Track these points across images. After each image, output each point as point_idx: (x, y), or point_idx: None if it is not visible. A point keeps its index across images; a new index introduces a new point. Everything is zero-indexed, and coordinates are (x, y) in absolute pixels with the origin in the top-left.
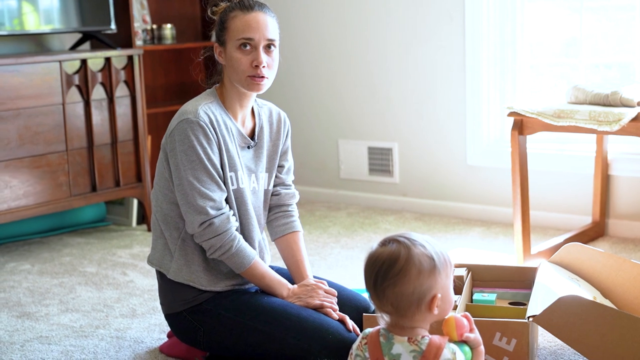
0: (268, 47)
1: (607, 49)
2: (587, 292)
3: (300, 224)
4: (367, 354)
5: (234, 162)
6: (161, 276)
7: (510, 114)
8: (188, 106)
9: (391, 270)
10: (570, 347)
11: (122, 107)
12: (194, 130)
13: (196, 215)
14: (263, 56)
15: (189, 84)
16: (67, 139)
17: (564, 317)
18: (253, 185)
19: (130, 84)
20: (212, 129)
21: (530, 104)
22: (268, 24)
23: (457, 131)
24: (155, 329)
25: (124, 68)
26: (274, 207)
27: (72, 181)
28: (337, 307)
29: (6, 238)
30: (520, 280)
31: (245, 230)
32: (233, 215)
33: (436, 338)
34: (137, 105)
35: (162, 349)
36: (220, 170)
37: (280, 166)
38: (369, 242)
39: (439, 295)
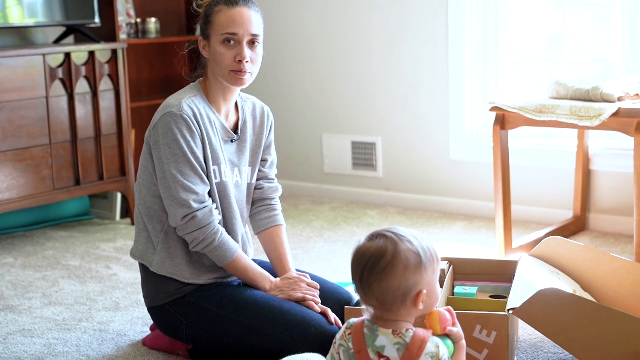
0: (252, 42)
1: (589, 44)
2: (568, 286)
3: (283, 218)
4: (350, 345)
5: (217, 156)
6: (144, 269)
7: (493, 109)
8: (172, 100)
9: (378, 265)
10: (550, 340)
11: (106, 101)
12: (178, 124)
13: (179, 208)
14: (247, 51)
15: (173, 78)
16: (51, 132)
17: (544, 310)
18: (236, 179)
19: (114, 77)
20: (195, 123)
21: (512, 99)
22: (252, 19)
23: (440, 126)
24: (138, 322)
25: (108, 62)
26: (257, 201)
27: (55, 175)
28: (319, 300)
29: None
30: (501, 274)
31: (228, 224)
32: (216, 208)
33: (420, 331)
34: (121, 99)
35: (145, 342)
36: (203, 163)
37: (264, 160)
38: (352, 236)
39: (425, 291)
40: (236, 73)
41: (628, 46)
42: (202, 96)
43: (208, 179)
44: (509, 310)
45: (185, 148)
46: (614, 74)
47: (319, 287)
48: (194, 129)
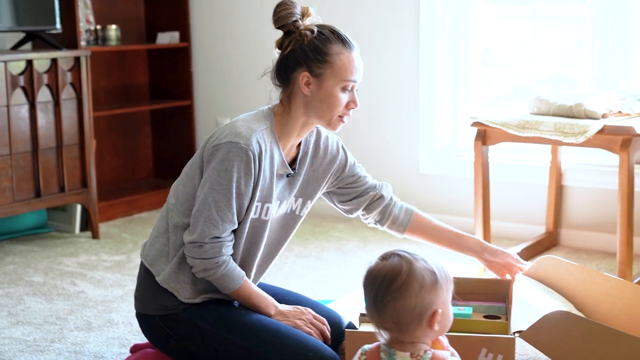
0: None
1: (559, 58)
2: (563, 306)
3: (409, 204)
4: None
5: (267, 194)
6: (146, 272)
7: (474, 124)
8: (243, 127)
9: (393, 284)
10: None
11: (68, 110)
12: (239, 159)
13: (195, 233)
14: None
15: (132, 86)
16: (12, 142)
17: (552, 333)
18: (280, 212)
19: (76, 86)
20: (257, 163)
21: (493, 114)
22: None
23: (409, 139)
24: (114, 342)
25: (70, 70)
26: (380, 212)
27: (15, 186)
28: (329, 336)
29: None
30: (492, 293)
31: (245, 260)
32: (230, 241)
33: (439, 353)
34: (84, 108)
35: None
36: (244, 203)
37: (353, 178)
38: (323, 251)
39: (440, 311)
40: (341, 118)
41: (597, 62)
42: (272, 129)
43: (246, 212)
44: (514, 333)
45: (234, 185)
46: (586, 88)
47: (326, 322)
48: (252, 169)
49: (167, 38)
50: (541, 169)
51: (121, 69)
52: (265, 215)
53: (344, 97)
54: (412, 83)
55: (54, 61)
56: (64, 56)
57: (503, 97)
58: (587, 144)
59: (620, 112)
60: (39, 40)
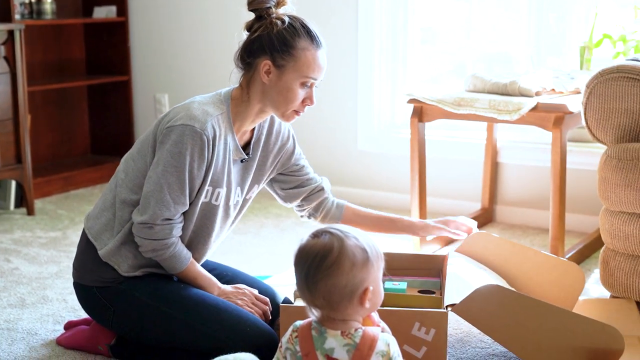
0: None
1: (496, 36)
2: (495, 281)
3: (339, 200)
4: (298, 348)
5: (218, 179)
6: (88, 243)
7: (410, 101)
8: (198, 111)
9: (324, 262)
10: (476, 336)
11: (2, 85)
12: (193, 142)
13: (145, 214)
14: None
15: (68, 61)
16: None
17: (483, 307)
18: (237, 198)
19: (10, 60)
20: (210, 148)
21: (430, 91)
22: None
23: (348, 116)
24: (48, 319)
25: (3, 43)
26: (316, 206)
27: None
28: (269, 317)
29: None
30: (427, 268)
31: (194, 242)
32: (180, 223)
33: (370, 330)
34: (18, 82)
35: (60, 342)
36: (195, 186)
37: (297, 167)
38: (261, 227)
39: (371, 288)
40: (296, 113)
41: (533, 40)
42: (228, 114)
43: (196, 195)
44: (447, 307)
45: (187, 168)
46: (522, 67)
47: (268, 301)
48: (205, 153)
49: (104, 12)
50: (477, 146)
51: (57, 43)
52: (216, 200)
53: (301, 93)
54: (351, 60)
55: None
56: None
57: (441, 75)
58: (521, 121)
59: (553, 89)
60: None
